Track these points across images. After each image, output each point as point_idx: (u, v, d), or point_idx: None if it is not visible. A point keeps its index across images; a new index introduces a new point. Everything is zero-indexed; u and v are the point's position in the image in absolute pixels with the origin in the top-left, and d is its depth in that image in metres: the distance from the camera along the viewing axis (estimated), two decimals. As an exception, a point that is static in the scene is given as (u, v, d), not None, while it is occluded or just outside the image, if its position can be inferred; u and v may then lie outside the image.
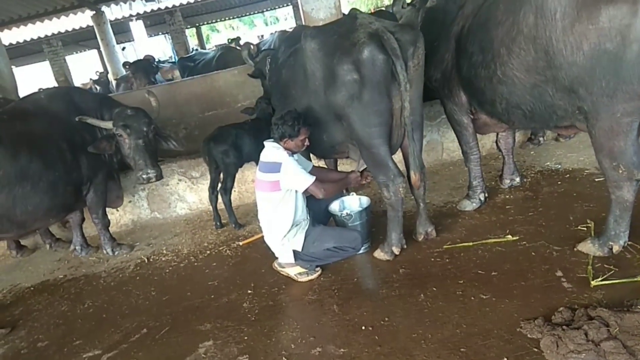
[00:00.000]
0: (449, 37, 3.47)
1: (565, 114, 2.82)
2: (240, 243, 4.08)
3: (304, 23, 5.47)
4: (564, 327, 2.24)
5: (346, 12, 5.21)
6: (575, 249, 2.92)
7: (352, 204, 3.61)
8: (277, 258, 3.42)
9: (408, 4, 4.20)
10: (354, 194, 3.69)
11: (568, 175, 4.02)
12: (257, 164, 4.37)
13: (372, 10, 14.56)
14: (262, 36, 16.53)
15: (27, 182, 3.54)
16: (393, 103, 3.01)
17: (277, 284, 3.32)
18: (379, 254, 3.32)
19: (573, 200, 3.57)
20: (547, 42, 2.63)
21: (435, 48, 3.45)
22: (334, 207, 3.60)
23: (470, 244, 3.26)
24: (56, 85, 12.77)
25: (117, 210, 4.82)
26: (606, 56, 2.43)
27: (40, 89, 5.06)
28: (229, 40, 12.95)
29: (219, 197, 4.40)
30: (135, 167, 4.01)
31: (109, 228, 4.42)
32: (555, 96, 2.78)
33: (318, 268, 3.32)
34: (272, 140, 3.29)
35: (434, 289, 2.85)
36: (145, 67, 7.27)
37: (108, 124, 3.94)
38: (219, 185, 4.39)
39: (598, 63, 2.46)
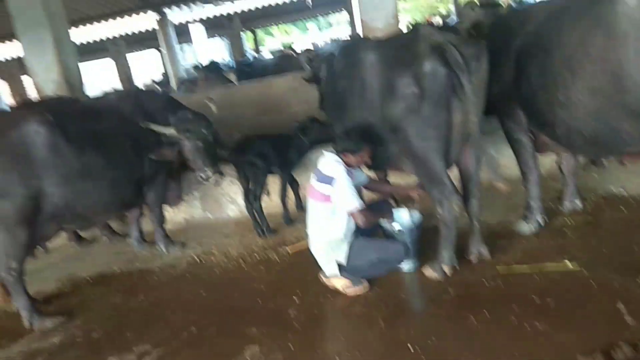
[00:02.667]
0: (510, 52, 3.37)
1: (633, 140, 2.68)
2: (288, 249, 4.12)
3: (361, 31, 5.47)
4: (626, 364, 2.13)
5: (402, 22, 5.18)
6: (638, 281, 2.75)
7: (402, 217, 3.58)
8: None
9: (479, 7, 4.10)
10: (404, 208, 3.65)
11: (633, 201, 3.80)
12: (281, 174, 4.51)
13: (427, 19, 14.43)
14: (316, 44, 16.68)
15: (91, 178, 3.72)
16: (452, 117, 2.96)
17: (323, 293, 3.33)
18: (429, 271, 3.26)
19: (637, 228, 3.37)
20: (616, 64, 2.51)
21: (496, 62, 3.37)
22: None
23: (526, 267, 3.14)
24: (119, 82, 13.42)
25: (172, 208, 4.98)
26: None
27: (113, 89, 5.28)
28: (284, 46, 13.17)
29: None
30: (196, 168, 4.20)
31: (164, 225, 4.58)
32: (622, 121, 2.64)
33: (365, 281, 3.30)
34: (332, 150, 3.30)
35: (486, 313, 2.76)
36: (217, 71, 7.54)
37: (170, 130, 4.09)
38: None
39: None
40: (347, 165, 3.22)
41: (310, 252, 3.53)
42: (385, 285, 3.28)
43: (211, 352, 2.92)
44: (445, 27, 6.03)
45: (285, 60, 8.04)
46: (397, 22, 5.34)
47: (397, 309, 2.99)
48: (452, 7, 16.34)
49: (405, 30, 4.54)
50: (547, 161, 4.43)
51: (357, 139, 3.17)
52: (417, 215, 3.53)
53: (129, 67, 14.95)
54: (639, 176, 4.17)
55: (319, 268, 3.48)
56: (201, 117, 4.23)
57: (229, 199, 5.17)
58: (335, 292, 3.31)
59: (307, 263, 3.75)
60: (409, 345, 2.60)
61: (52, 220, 3.66)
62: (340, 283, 3.31)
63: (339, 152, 3.24)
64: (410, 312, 2.94)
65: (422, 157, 3.08)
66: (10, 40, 10.95)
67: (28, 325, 3.51)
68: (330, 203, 3.19)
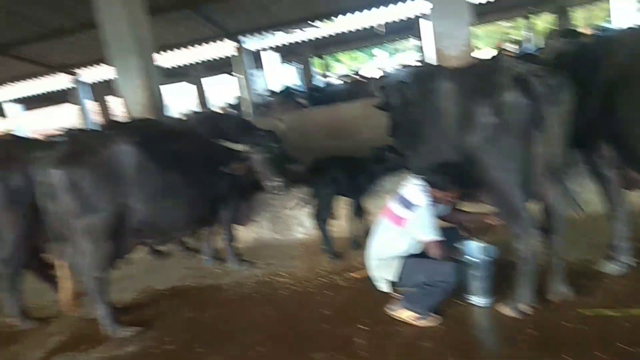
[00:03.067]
0: (596, 83, 3.22)
1: None
2: (354, 275, 4.11)
3: (435, 59, 5.46)
4: None
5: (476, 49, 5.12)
6: None
7: (475, 250, 3.45)
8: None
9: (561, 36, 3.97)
10: (477, 240, 3.52)
11: None
12: (352, 198, 4.54)
13: (498, 45, 14.11)
14: (385, 70, 16.79)
15: (173, 196, 3.92)
16: (533, 149, 2.87)
17: (391, 323, 3.27)
18: (504, 309, 3.12)
19: None
20: None
21: (581, 93, 3.23)
22: None
23: (612, 311, 2.93)
24: (195, 105, 14.18)
25: (242, 228, 5.14)
26: None
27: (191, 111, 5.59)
28: (351, 72, 13.36)
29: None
30: (265, 179, 4.36)
31: (234, 244, 4.73)
32: None
33: (434, 315, 3.21)
34: (420, 179, 3.34)
35: (565, 357, 2.60)
36: (290, 96, 7.83)
37: (242, 147, 4.28)
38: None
39: None
40: (432, 198, 3.24)
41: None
42: (457, 320, 3.18)
43: (279, 373, 2.95)
44: (527, 57, 5.87)
45: (357, 87, 8.14)
46: (471, 49, 5.29)
47: (468, 347, 2.88)
48: (524, 34, 15.92)
49: (480, 58, 4.48)
50: (636, 197, 4.14)
51: (449, 177, 3.21)
52: (491, 248, 3.40)
53: (204, 91, 15.81)
54: None
55: (387, 297, 3.44)
56: (270, 133, 4.44)
57: (297, 221, 5.26)
58: (404, 323, 3.24)
59: (375, 290, 3.72)
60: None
61: (134, 235, 3.89)
62: (407, 315, 3.25)
63: (427, 184, 3.27)
64: (482, 351, 2.81)
65: (500, 189, 2.99)
66: (98, 64, 11.89)
67: (107, 333, 3.71)
68: (401, 227, 3.22)
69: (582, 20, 17.45)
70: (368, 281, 3.91)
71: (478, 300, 3.27)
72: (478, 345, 2.89)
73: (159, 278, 4.86)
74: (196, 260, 5.08)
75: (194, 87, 16.03)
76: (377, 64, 24.68)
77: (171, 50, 11.92)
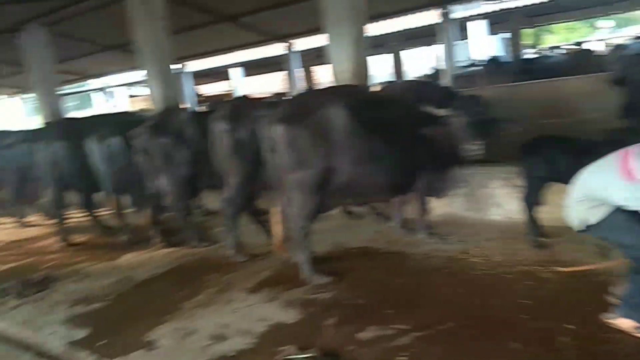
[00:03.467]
0: None
1: None
2: (564, 269, 3.69)
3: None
4: None
5: None
6: None
7: None
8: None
9: None
10: None
11: None
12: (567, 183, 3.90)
13: None
14: (618, 43, 14.35)
15: (375, 161, 4.03)
16: None
17: (603, 328, 2.88)
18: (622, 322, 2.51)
19: None
20: None
21: None
22: None
23: None
24: (393, 76, 14.31)
25: (436, 201, 5.05)
26: None
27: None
28: (571, 44, 11.79)
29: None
30: (463, 142, 4.18)
31: (427, 216, 4.69)
32: None
33: None
34: None
35: None
36: (498, 68, 7.36)
37: (444, 111, 4.20)
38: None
39: None
40: None
41: (594, 279, 3.08)
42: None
43: (467, 352, 2.85)
44: None
45: (579, 59, 7.12)
46: None
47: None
48: None
49: None
50: None
51: None
52: None
53: (402, 63, 15.82)
54: None
55: (602, 303, 3.02)
56: (474, 98, 4.19)
57: (494, 200, 4.94)
58: (622, 332, 2.81)
59: (588, 291, 3.31)
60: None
61: (335, 194, 4.14)
62: (627, 325, 2.80)
63: None
64: None
65: None
66: (311, 34, 12.73)
67: (305, 278, 4.07)
68: (629, 182, 2.67)
69: None
70: (580, 280, 3.51)
71: None
72: None
73: (350, 236, 5.11)
74: (386, 226, 5.19)
75: (390, 58, 16.14)
76: (601, 36, 21.29)
77: (382, 19, 12.09)
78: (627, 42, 9.35)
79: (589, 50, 8.19)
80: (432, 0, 10.71)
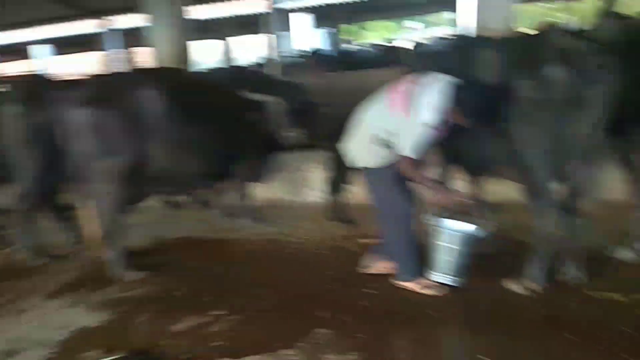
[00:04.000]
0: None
1: None
2: (369, 240, 4.07)
3: (475, 32, 5.28)
4: None
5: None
6: None
7: (457, 224, 3.07)
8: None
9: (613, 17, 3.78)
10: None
11: None
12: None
13: (540, 27, 13.57)
14: (419, 41, 16.32)
15: (192, 146, 3.88)
16: (568, 128, 2.75)
17: (399, 290, 3.27)
18: (514, 286, 3.08)
19: None
20: None
21: (626, 77, 3.06)
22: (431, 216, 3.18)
23: (622, 296, 2.89)
24: (222, 62, 14.08)
25: (255, 186, 5.13)
26: None
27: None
28: (385, 41, 13.05)
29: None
30: (280, 129, 4.31)
31: (249, 201, 4.73)
32: None
33: (444, 284, 3.18)
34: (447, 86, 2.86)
35: (573, 338, 2.56)
36: (319, 59, 7.69)
37: (265, 97, 4.25)
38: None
39: None
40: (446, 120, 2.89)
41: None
42: (464, 293, 3.15)
43: (282, 329, 2.96)
44: (576, 34, 5.60)
45: (389, 55, 7.93)
46: (512, 24, 5.10)
47: (475, 320, 2.85)
48: (564, 16, 15.28)
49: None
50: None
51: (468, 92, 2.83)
52: (480, 229, 3.08)
53: (233, 49, 15.66)
54: None
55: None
56: (296, 86, 4.36)
57: (310, 183, 5.23)
58: (413, 292, 3.23)
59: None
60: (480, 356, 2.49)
61: (150, 182, 3.90)
62: (410, 285, 3.24)
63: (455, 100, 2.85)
64: (490, 326, 2.77)
65: (528, 164, 2.89)
66: (131, 11, 11.75)
67: (115, 275, 3.76)
68: (403, 114, 2.89)
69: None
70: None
71: (444, 278, 3.17)
72: (486, 320, 2.85)
73: (170, 227, 4.90)
74: (208, 214, 5.10)
75: (221, 44, 15.90)
76: (409, 35, 24.05)
77: (209, 3, 11.74)
78: (429, 41, 10.84)
79: (395, 47, 9.21)
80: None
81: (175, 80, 4.16)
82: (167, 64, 5.92)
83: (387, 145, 3.01)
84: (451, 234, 3.06)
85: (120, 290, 3.64)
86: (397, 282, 3.32)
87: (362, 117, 3.21)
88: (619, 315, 2.73)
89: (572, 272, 3.10)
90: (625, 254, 3.36)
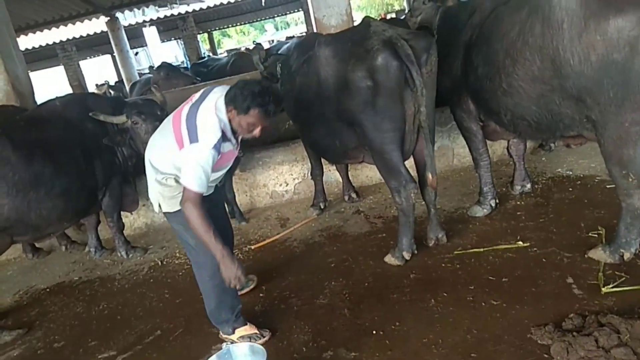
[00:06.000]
0: (458, 45, 3.51)
1: (573, 123, 2.86)
2: (252, 247, 4.13)
3: (315, 29, 5.52)
4: (575, 333, 2.25)
5: (357, 19, 5.26)
6: (586, 256, 2.93)
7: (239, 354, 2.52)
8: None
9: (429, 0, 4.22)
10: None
11: (579, 181, 4.02)
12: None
13: (382, 16, 14.66)
14: (273, 41, 16.69)
15: (42, 187, 3.59)
16: (406, 109, 3.05)
17: (288, 287, 3.38)
18: (389, 259, 3.35)
19: (584, 207, 3.57)
20: (553, 52, 2.67)
21: (446, 54, 3.49)
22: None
23: (481, 250, 3.27)
24: (70, 89, 12.97)
25: (131, 214, 4.89)
26: (614, 67, 2.46)
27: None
28: (254, 43, 13.09)
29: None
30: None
31: (123, 231, 4.49)
32: (562, 105, 2.81)
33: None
34: (222, 98, 2.46)
35: (445, 294, 2.87)
36: (171, 72, 7.46)
37: (121, 118, 4.06)
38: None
39: (606, 73, 2.50)
40: (230, 123, 2.47)
41: (276, 248, 3.54)
42: (348, 275, 3.36)
43: (178, 353, 2.91)
44: (396, 22, 6.14)
45: (242, 60, 8.01)
46: (351, 19, 5.40)
47: (360, 298, 3.06)
48: (405, 4, 16.68)
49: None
50: (499, 148, 4.63)
51: (250, 94, 2.35)
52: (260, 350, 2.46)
53: (82, 74, 14.49)
54: (585, 158, 4.41)
55: (284, 263, 3.53)
56: (152, 101, 4.25)
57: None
58: (300, 286, 3.35)
59: (272, 259, 3.81)
60: (373, 331, 2.68)
61: (3, 232, 3.53)
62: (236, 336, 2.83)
63: (226, 103, 2.43)
64: (373, 300, 2.99)
65: (379, 148, 3.15)
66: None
67: (-16, 341, 3.38)
68: (182, 149, 2.43)
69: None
70: (266, 251, 4.00)
71: None
72: (369, 294, 3.06)
73: (41, 276, 4.49)
74: (83, 253, 4.75)
75: (72, 70, 14.65)
76: (268, 38, 24.43)
77: (40, 30, 10.75)
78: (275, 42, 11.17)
79: (246, 52, 9.32)
80: (94, 7, 10.11)
81: (8, 119, 3.81)
82: (2, 101, 5.32)
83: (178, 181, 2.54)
84: None
85: (-10, 357, 3.27)
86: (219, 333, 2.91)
87: (149, 151, 2.71)
88: (481, 266, 3.09)
89: (435, 236, 3.44)
90: (477, 211, 3.81)
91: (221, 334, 2.88)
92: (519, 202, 3.88)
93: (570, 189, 3.92)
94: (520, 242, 3.24)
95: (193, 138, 2.38)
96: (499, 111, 3.20)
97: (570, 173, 4.22)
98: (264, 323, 2.97)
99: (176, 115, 2.56)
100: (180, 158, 2.43)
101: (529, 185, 3.99)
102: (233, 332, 2.83)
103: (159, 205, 2.68)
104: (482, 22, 3.29)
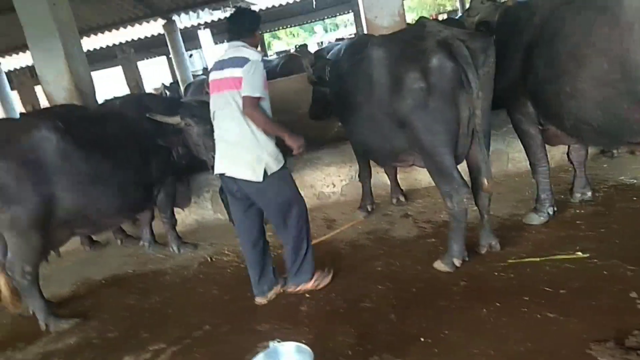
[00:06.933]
0: (518, 45, 3.37)
1: None
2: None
3: (366, 31, 5.48)
4: (639, 351, 2.10)
5: (409, 20, 5.17)
6: (652, 270, 2.73)
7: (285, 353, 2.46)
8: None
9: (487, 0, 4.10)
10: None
11: (644, 191, 3.77)
12: None
13: (434, 17, 14.40)
14: (322, 43, 16.75)
15: (101, 183, 3.76)
16: (460, 111, 2.97)
17: (333, 289, 3.34)
18: (439, 265, 3.26)
19: (649, 217, 3.35)
20: (622, 54, 2.51)
21: (505, 55, 3.36)
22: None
23: (537, 259, 3.12)
24: (128, 89, 13.53)
25: (183, 211, 5.03)
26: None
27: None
28: (296, 47, 13.21)
29: None
30: (204, 152, 4.22)
31: (176, 227, 4.63)
32: (630, 110, 2.63)
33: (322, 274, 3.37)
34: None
35: (497, 304, 2.76)
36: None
37: (176, 119, 4.18)
38: None
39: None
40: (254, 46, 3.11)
41: (321, 247, 3.51)
42: (396, 279, 3.30)
43: (225, 349, 2.95)
44: (451, 22, 6.00)
45: (292, 62, 8.08)
46: (404, 20, 5.33)
47: (407, 303, 2.99)
48: (458, 4, 16.30)
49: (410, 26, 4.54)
50: (557, 153, 4.42)
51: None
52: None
53: (139, 74, 15.07)
54: (650, 166, 4.13)
55: (329, 266, 3.50)
56: (205, 104, 4.32)
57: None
58: (347, 287, 3.32)
59: (318, 261, 3.77)
60: (421, 338, 2.61)
61: (64, 225, 3.72)
62: (305, 288, 3.32)
63: (239, 38, 3.09)
64: (421, 306, 2.92)
65: (431, 151, 3.09)
66: (23, 51, 11.12)
67: (44, 328, 3.56)
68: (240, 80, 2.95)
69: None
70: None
71: None
72: (417, 300, 3.00)
73: (97, 268, 4.69)
74: (137, 247, 4.93)
75: (130, 70, 15.29)
76: (317, 40, 24.56)
77: (101, 32, 11.32)
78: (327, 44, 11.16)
79: (295, 54, 9.39)
80: (152, 11, 10.51)
81: (72, 116, 4.01)
82: (64, 100, 5.62)
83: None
84: None
85: (52, 341, 3.45)
86: (292, 289, 3.35)
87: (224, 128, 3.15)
88: (536, 276, 2.95)
89: (488, 243, 3.32)
90: (533, 219, 3.64)
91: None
92: (578, 211, 3.69)
93: (634, 198, 3.68)
94: (580, 253, 3.07)
95: (240, 63, 2.90)
96: (561, 115, 3.05)
97: (635, 181, 3.97)
98: (309, 324, 2.98)
99: (216, 85, 3.08)
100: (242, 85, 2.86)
101: (589, 193, 3.79)
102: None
103: (265, 172, 2.99)
104: (544, 22, 3.15)
